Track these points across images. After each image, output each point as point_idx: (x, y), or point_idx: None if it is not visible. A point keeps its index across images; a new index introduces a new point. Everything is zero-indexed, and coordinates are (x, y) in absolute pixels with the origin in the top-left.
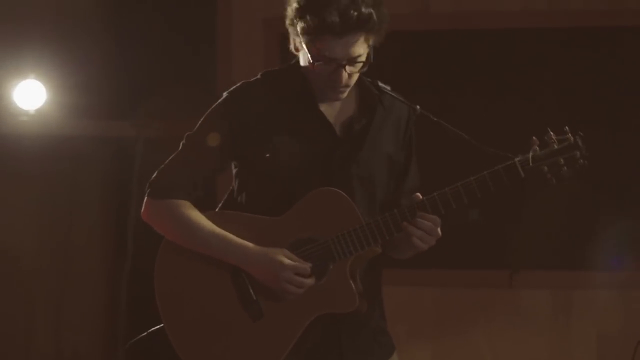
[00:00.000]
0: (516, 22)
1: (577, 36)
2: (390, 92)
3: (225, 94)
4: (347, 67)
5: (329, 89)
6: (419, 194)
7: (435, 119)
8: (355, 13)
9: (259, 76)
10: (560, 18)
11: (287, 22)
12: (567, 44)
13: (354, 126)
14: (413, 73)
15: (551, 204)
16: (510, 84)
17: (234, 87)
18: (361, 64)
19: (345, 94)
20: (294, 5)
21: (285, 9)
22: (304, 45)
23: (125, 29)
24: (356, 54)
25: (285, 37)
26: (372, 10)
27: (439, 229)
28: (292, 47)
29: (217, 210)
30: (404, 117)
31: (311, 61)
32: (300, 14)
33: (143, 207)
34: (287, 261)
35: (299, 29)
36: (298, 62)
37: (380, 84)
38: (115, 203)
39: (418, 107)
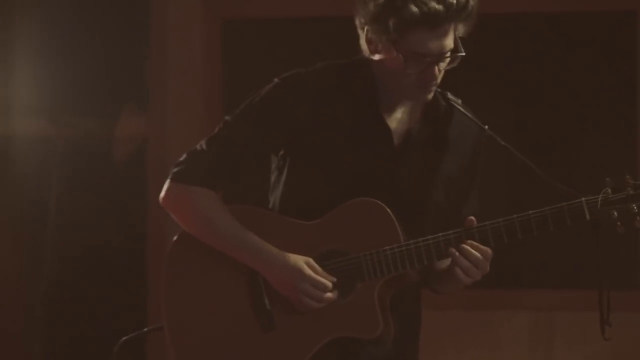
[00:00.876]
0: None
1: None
2: (460, 107)
3: (277, 80)
4: (440, 63)
5: (417, 89)
6: (473, 218)
7: (503, 143)
8: (455, 0)
9: (318, 66)
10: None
11: (365, 18)
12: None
13: (413, 136)
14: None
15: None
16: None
17: (289, 73)
18: (449, 59)
19: (432, 95)
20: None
21: (359, 7)
22: (392, 45)
23: (45, 13)
24: (448, 48)
25: (228, 23)
26: None
27: (488, 264)
28: (366, 46)
29: (245, 206)
30: (471, 138)
31: (402, 60)
32: (393, 7)
33: (163, 191)
34: (308, 271)
35: (390, 25)
36: (365, 58)
37: (450, 95)
38: (30, 209)
39: (487, 127)
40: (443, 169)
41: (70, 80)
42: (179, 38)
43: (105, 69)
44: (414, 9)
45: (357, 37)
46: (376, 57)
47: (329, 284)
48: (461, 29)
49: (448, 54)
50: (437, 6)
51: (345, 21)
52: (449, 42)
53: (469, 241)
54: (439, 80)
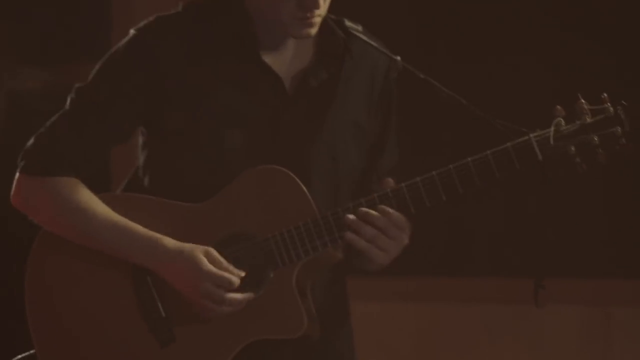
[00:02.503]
0: None
1: None
2: (362, 36)
3: (132, 31)
4: None
5: (296, 21)
6: (390, 179)
7: (422, 76)
8: None
9: (179, 9)
10: None
11: None
12: None
13: (310, 81)
14: (393, 23)
15: (582, 195)
16: (516, 38)
17: (145, 22)
18: None
19: (316, 29)
20: None
21: None
22: None
23: None
24: None
25: None
26: None
27: (404, 234)
28: None
29: (116, 192)
30: (380, 72)
31: None
32: None
33: (14, 187)
34: (207, 266)
35: None
36: None
37: (348, 23)
38: None
39: (399, 58)
40: (349, 117)
41: (15, 19)
42: None
43: (60, 6)
44: None
45: None
46: None
47: (236, 279)
48: None
49: None
50: None
51: None
52: None
53: (380, 207)
54: (324, 9)
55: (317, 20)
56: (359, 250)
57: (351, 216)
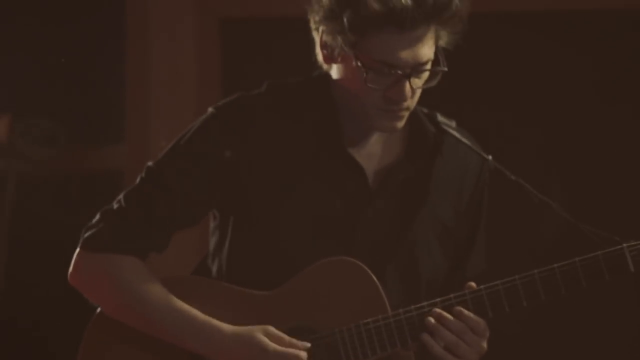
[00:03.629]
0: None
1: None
2: (454, 132)
3: (211, 110)
4: (412, 78)
5: (382, 114)
6: (472, 284)
7: (513, 177)
8: None
9: (263, 89)
10: None
11: (318, 17)
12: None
13: (396, 177)
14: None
15: None
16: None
17: (227, 100)
18: (427, 75)
19: (402, 123)
20: None
21: (313, 1)
22: (349, 49)
23: None
24: (425, 58)
25: (226, 22)
26: None
27: (482, 341)
28: (321, 54)
29: (181, 275)
30: (472, 172)
31: (362, 71)
32: (346, 0)
33: (72, 264)
34: (271, 345)
35: (344, 23)
36: (323, 75)
37: (440, 118)
38: None
39: (490, 157)
40: (435, 216)
41: (21, 99)
42: (165, 49)
43: (69, 83)
44: (375, 3)
45: None
46: (333, 69)
47: (303, 354)
48: (445, 37)
49: (425, 67)
50: (407, 2)
51: None
52: (426, 52)
53: (457, 309)
54: (412, 102)
55: (404, 114)
56: (433, 355)
57: (431, 319)
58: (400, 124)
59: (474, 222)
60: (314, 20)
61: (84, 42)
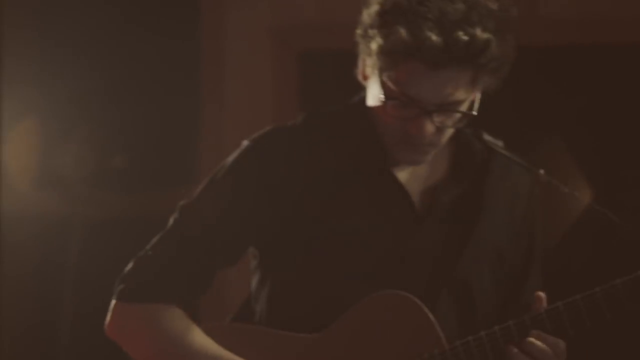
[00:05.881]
0: None
1: None
2: (503, 151)
3: (245, 143)
4: (435, 116)
5: (402, 144)
6: (541, 294)
7: (567, 190)
8: (466, 37)
9: (300, 119)
10: None
11: (359, 32)
12: None
13: (442, 199)
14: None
15: None
16: None
17: (261, 132)
18: (458, 116)
19: (427, 158)
20: (374, 7)
21: (361, 12)
22: (376, 72)
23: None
24: (453, 99)
25: (305, 56)
26: (492, 37)
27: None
28: (360, 72)
29: (224, 322)
30: (523, 191)
31: (382, 98)
32: (381, 22)
33: (109, 316)
34: None
35: (374, 45)
36: (363, 101)
37: (487, 137)
38: (37, 314)
39: (542, 171)
40: (487, 240)
41: (87, 141)
42: (241, 82)
43: (142, 124)
44: (404, 33)
45: None
46: (367, 92)
47: None
48: (486, 81)
49: (453, 107)
50: (434, 37)
51: None
52: (456, 92)
53: (535, 332)
54: (439, 139)
55: (427, 149)
56: None
57: (513, 347)
58: (424, 158)
59: (529, 243)
60: (357, 35)
61: (158, 83)
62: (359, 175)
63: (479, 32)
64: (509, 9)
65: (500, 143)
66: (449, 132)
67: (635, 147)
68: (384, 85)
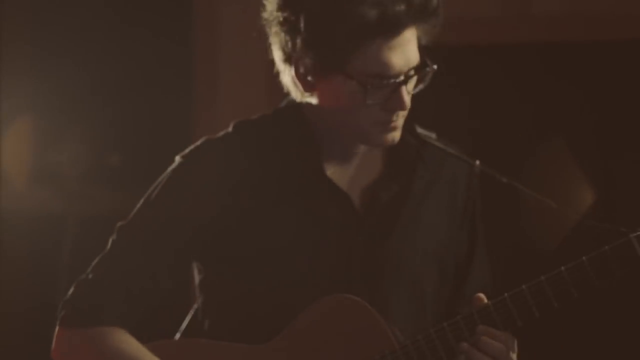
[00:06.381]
0: None
1: None
2: (437, 143)
3: (178, 159)
4: (407, 85)
5: (380, 127)
6: (482, 295)
7: (505, 180)
8: None
9: (230, 129)
10: None
11: (295, 44)
12: None
13: (381, 196)
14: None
15: None
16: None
17: (193, 147)
18: (418, 76)
19: (399, 133)
20: (316, 5)
21: (282, 30)
22: (337, 70)
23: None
24: (415, 62)
25: None
26: None
27: (513, 354)
28: (300, 84)
29: (172, 339)
30: (460, 181)
31: (361, 89)
32: (340, 14)
33: (53, 342)
34: None
35: (337, 40)
36: (293, 104)
37: (419, 130)
38: (31, 311)
39: (478, 161)
40: (428, 233)
41: (82, 139)
42: (234, 83)
43: (135, 122)
44: (370, 12)
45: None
46: (314, 96)
47: None
48: (426, 34)
49: (416, 70)
50: (397, 5)
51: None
52: (414, 55)
53: (482, 327)
54: (406, 110)
55: (401, 123)
56: None
57: (464, 344)
58: (398, 134)
59: (471, 234)
60: (284, 50)
61: (151, 80)
62: (296, 180)
63: None
64: None
65: (433, 135)
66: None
67: (632, 143)
68: (356, 77)
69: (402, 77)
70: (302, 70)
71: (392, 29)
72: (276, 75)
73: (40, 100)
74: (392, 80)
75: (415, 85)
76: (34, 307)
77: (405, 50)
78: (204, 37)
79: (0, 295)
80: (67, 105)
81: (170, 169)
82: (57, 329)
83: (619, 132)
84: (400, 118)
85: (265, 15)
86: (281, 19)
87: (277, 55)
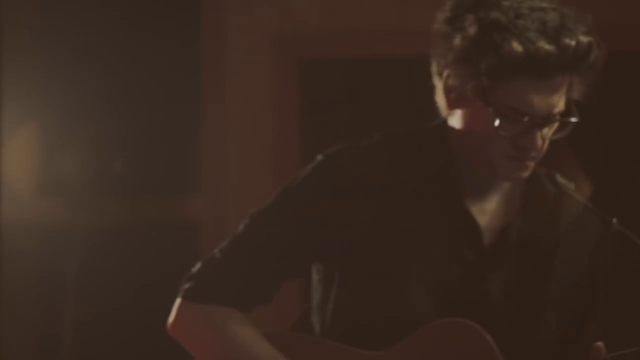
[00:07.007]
0: None
1: None
2: (575, 195)
3: (320, 157)
4: (544, 128)
5: (509, 161)
6: (600, 344)
7: None
8: (573, 42)
9: (374, 139)
10: None
11: (447, 59)
12: None
13: (512, 237)
14: None
15: None
16: None
17: (337, 149)
18: (559, 124)
19: (528, 173)
20: (472, 29)
21: (439, 44)
22: (479, 94)
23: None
24: (557, 108)
25: (306, 64)
26: (592, 40)
27: None
28: (445, 99)
29: (286, 330)
30: (592, 236)
31: (494, 118)
32: (485, 42)
33: (173, 314)
34: None
35: (482, 66)
36: (440, 124)
37: (559, 178)
38: (38, 322)
39: (615, 220)
40: (554, 282)
41: (88, 147)
42: (242, 91)
43: (143, 131)
44: (517, 47)
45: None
46: (455, 115)
47: None
48: (578, 88)
49: (557, 117)
50: (547, 46)
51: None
52: (560, 101)
53: None
54: (540, 153)
55: (531, 164)
56: None
57: None
58: (526, 173)
59: (594, 291)
60: (438, 63)
61: (158, 88)
62: (432, 201)
63: (581, 37)
64: (586, 14)
65: (572, 185)
66: (546, 145)
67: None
68: (491, 105)
69: (539, 120)
70: (448, 85)
71: (539, 70)
72: (283, 81)
73: (46, 108)
74: (528, 119)
75: (555, 132)
76: (40, 319)
77: (551, 96)
78: (212, 44)
79: (6, 307)
80: (73, 113)
81: (311, 165)
82: (179, 301)
83: (623, 139)
84: (530, 159)
85: (435, 25)
86: (442, 32)
87: (433, 66)
